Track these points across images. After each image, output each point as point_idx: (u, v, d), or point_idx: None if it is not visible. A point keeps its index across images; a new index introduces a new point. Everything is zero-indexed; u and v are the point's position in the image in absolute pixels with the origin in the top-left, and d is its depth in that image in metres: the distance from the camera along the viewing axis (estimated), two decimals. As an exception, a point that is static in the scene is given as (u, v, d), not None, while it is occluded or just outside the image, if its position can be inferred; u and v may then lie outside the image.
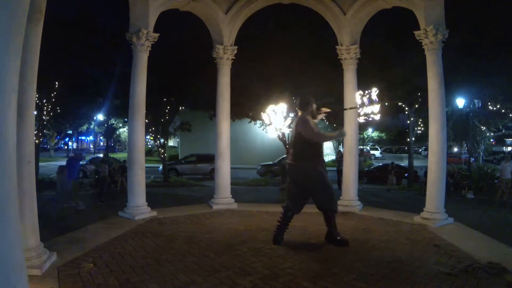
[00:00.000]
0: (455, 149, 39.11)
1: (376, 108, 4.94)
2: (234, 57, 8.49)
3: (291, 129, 5.45)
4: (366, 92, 5.05)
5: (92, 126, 40.06)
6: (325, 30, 9.16)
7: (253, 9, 8.43)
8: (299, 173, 5.17)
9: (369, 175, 17.21)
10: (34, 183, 4.43)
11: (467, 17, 11.65)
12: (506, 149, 45.90)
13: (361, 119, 5.23)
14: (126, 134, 23.97)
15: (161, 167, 18.92)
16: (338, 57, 8.45)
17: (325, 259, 4.52)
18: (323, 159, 5.43)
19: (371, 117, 4.99)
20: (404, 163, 25.52)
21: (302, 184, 5.17)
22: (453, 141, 27.85)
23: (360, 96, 5.14)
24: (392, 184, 16.23)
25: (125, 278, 3.95)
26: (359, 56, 8.33)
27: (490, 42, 12.60)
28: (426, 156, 25.89)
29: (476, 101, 15.73)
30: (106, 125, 23.92)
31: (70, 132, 44.50)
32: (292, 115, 5.50)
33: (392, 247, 5.16)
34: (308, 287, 3.75)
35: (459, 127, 21.57)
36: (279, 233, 5.25)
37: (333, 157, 16.01)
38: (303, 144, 5.07)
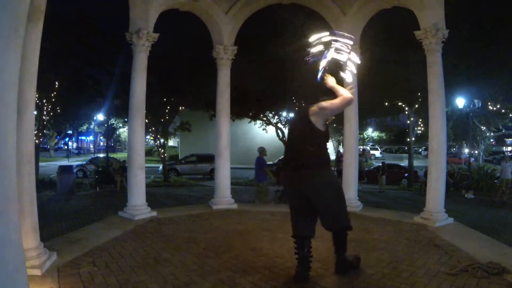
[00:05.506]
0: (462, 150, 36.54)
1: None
2: (234, 57, 8.50)
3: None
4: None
5: (92, 126, 40.11)
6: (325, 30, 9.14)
7: (253, 9, 8.42)
8: (313, 183, 3.80)
9: (369, 175, 17.22)
10: (34, 183, 4.41)
11: (468, 17, 11.65)
12: (506, 149, 45.93)
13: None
14: (126, 134, 23.97)
15: (161, 167, 18.94)
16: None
17: (325, 259, 4.51)
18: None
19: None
20: (404, 163, 25.54)
21: (318, 197, 3.84)
22: (453, 141, 27.82)
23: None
24: (382, 185, 14.41)
25: (125, 278, 3.95)
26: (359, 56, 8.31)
27: (491, 42, 12.59)
28: (426, 156, 25.96)
29: (476, 101, 15.69)
30: (106, 125, 23.89)
31: (70, 132, 44.57)
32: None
33: (392, 247, 5.16)
34: (308, 287, 3.75)
35: (459, 127, 21.56)
36: (301, 268, 3.89)
37: (333, 157, 16.01)
38: (316, 141, 3.81)
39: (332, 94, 3.86)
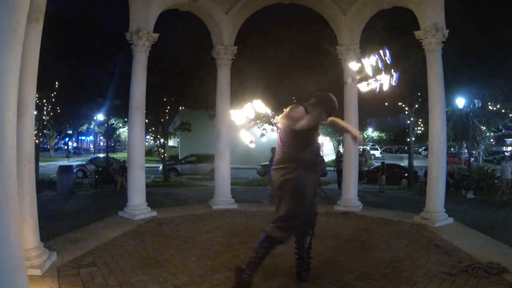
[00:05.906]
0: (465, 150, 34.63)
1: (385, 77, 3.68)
2: (234, 57, 8.49)
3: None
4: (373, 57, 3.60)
5: (92, 126, 40.08)
6: (325, 30, 9.16)
7: (253, 9, 8.43)
8: (275, 180, 3.73)
9: (369, 175, 17.19)
10: (34, 183, 4.42)
11: (468, 17, 11.66)
12: (506, 149, 45.94)
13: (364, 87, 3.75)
14: (126, 134, 23.99)
15: (161, 167, 18.93)
16: (338, 57, 8.45)
17: (325, 259, 4.52)
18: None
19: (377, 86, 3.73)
20: (404, 163, 25.52)
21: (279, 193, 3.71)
22: (453, 141, 27.77)
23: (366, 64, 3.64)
24: (382, 185, 13.94)
25: (125, 278, 3.95)
26: (359, 56, 8.32)
27: (491, 42, 12.61)
28: (426, 156, 25.90)
29: (476, 101, 15.67)
30: (106, 125, 23.89)
31: (70, 132, 44.52)
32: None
33: (392, 247, 5.16)
34: (308, 287, 3.75)
35: (459, 127, 21.54)
36: (301, 268, 3.86)
37: (333, 157, 15.98)
38: (288, 139, 3.68)
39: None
